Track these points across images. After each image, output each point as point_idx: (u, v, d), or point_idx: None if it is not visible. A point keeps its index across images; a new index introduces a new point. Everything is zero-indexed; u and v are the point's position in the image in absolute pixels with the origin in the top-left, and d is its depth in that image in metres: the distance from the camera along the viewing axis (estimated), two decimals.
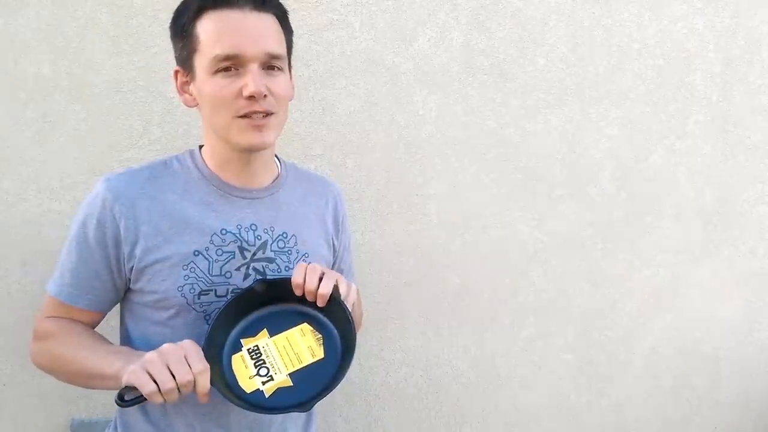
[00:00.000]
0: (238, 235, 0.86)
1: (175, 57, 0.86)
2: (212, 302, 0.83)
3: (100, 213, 0.83)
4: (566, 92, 1.48)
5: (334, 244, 1.00)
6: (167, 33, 1.21)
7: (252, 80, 0.78)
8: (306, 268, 0.80)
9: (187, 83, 0.85)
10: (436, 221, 1.43)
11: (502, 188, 1.47)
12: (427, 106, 1.39)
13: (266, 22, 0.81)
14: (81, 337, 0.84)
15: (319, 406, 1.53)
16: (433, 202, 1.42)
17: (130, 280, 0.85)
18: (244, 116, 0.80)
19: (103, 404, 1.24)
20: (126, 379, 0.71)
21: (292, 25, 0.89)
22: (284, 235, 0.90)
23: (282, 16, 0.86)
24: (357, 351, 1.43)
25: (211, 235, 0.84)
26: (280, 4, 0.86)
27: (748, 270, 1.72)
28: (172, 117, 1.22)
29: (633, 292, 1.62)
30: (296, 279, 0.79)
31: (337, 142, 1.34)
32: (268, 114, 0.81)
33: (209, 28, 0.79)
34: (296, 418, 0.97)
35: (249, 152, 0.86)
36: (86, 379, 0.81)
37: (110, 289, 0.86)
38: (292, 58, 0.90)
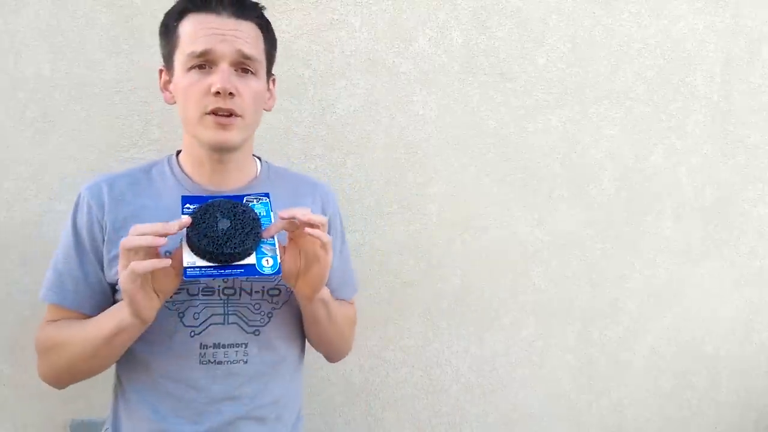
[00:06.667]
0: None
1: (162, 56, 0.90)
2: (184, 300, 0.85)
3: (84, 218, 0.86)
4: (566, 92, 1.48)
5: None
6: None
7: (220, 77, 0.81)
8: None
9: (168, 82, 0.89)
10: (436, 221, 1.43)
11: (502, 188, 1.47)
12: (427, 106, 1.39)
13: (243, 27, 0.85)
14: (81, 321, 0.86)
15: (319, 407, 1.53)
16: (433, 202, 1.42)
17: (113, 283, 0.86)
18: (211, 113, 0.83)
19: (102, 404, 1.24)
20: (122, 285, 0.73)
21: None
22: None
23: (263, 26, 0.90)
24: (357, 351, 1.43)
25: (181, 237, 0.85)
26: (262, 15, 0.90)
27: (748, 270, 1.72)
28: (172, 117, 1.22)
29: (633, 292, 1.62)
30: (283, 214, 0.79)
31: (337, 142, 1.34)
32: (233, 114, 0.84)
33: (188, 28, 0.83)
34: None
35: (219, 152, 0.88)
36: (107, 347, 0.81)
37: (98, 291, 0.87)
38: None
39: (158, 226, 0.72)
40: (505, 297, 1.51)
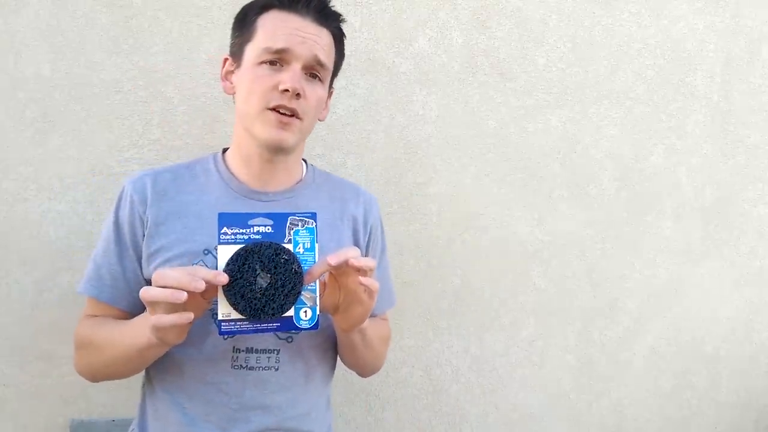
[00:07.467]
0: None
1: (230, 45, 0.91)
2: None
3: (127, 212, 0.86)
4: (566, 92, 1.48)
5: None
6: (167, 33, 1.22)
7: (290, 77, 0.82)
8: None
9: (231, 72, 0.90)
10: (436, 221, 1.43)
11: (502, 188, 1.47)
12: (427, 106, 1.39)
13: (323, 34, 0.87)
14: (115, 324, 0.85)
15: None
16: (433, 202, 1.42)
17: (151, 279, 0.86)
18: (273, 109, 0.83)
19: (102, 404, 1.24)
20: (152, 333, 0.72)
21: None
22: None
23: (338, 37, 0.91)
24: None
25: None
26: (340, 28, 0.91)
27: (748, 270, 1.72)
28: (172, 117, 1.22)
29: (633, 292, 1.62)
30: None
31: (337, 142, 1.34)
32: (294, 115, 0.84)
33: (269, 23, 0.84)
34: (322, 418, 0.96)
35: (272, 151, 0.87)
36: (138, 356, 0.80)
37: (135, 288, 0.86)
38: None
39: (184, 279, 0.66)
40: (505, 297, 1.51)
